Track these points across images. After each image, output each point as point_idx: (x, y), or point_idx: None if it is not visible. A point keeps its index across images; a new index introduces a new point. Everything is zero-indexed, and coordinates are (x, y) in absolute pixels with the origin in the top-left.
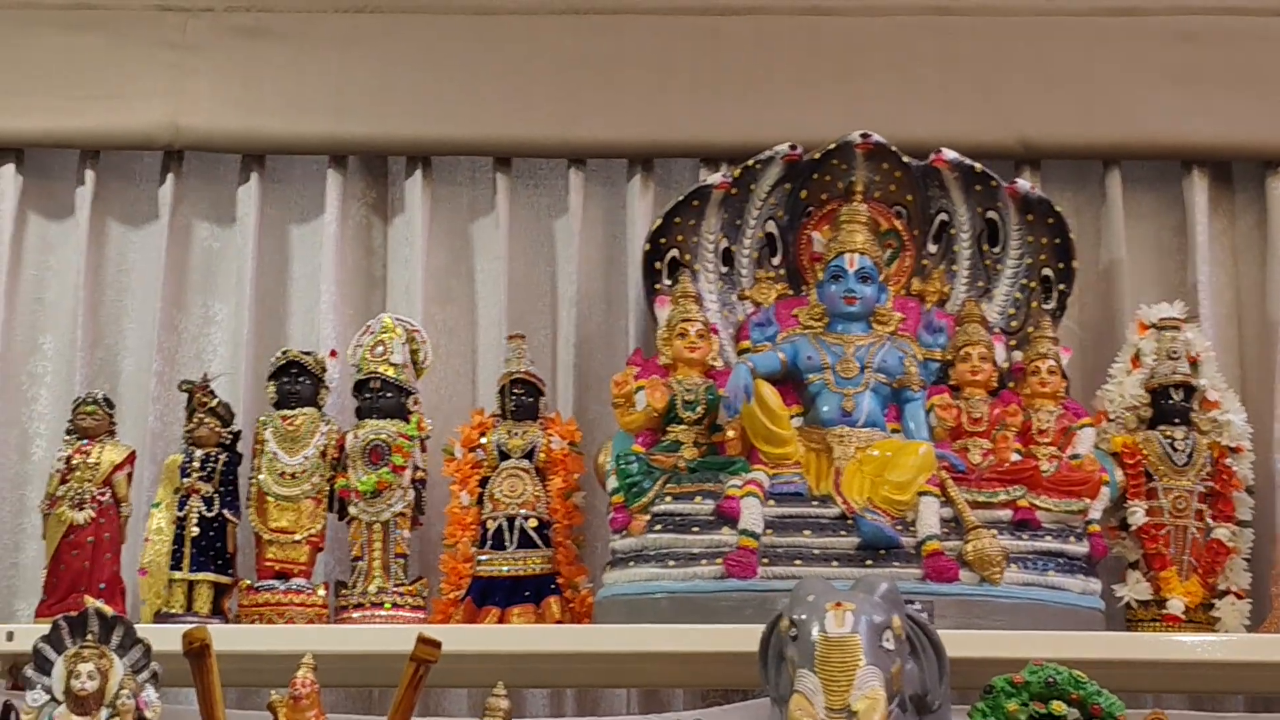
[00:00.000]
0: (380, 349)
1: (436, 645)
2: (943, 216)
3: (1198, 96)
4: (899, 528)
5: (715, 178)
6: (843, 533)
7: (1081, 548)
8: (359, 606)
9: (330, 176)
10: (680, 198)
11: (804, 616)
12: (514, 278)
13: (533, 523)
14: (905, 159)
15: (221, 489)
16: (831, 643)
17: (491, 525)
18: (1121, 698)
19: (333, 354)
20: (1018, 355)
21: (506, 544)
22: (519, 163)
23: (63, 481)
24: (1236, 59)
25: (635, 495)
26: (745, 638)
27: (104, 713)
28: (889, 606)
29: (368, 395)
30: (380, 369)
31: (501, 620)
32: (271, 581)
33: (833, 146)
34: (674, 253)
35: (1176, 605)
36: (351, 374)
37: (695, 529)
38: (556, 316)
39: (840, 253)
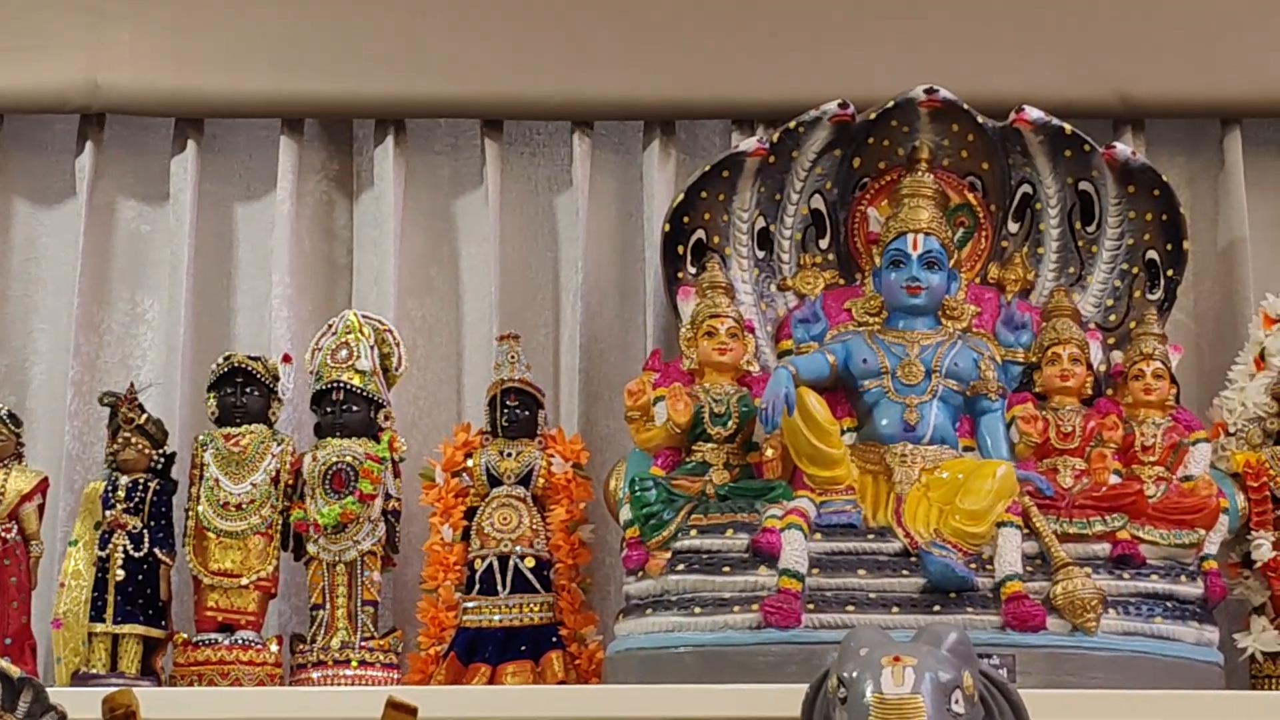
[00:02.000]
0: (344, 353)
1: (412, 711)
2: (1026, 188)
3: None
4: (973, 565)
5: (749, 143)
6: (905, 572)
7: (1195, 589)
8: (319, 664)
9: (283, 144)
10: (707, 167)
11: (855, 674)
12: (507, 265)
13: (530, 562)
14: (980, 119)
15: (152, 523)
16: (889, 705)
17: (480, 565)
18: None
19: (286, 359)
20: (1117, 356)
21: (498, 588)
22: (512, 126)
23: None
24: None
25: (654, 528)
26: (787, 699)
27: None
28: (959, 661)
29: (329, 409)
30: (344, 377)
31: (492, 680)
32: (213, 635)
33: (892, 104)
34: (700, 234)
35: None
36: (310, 383)
37: (726, 569)
38: (559, 312)
39: (901, 233)
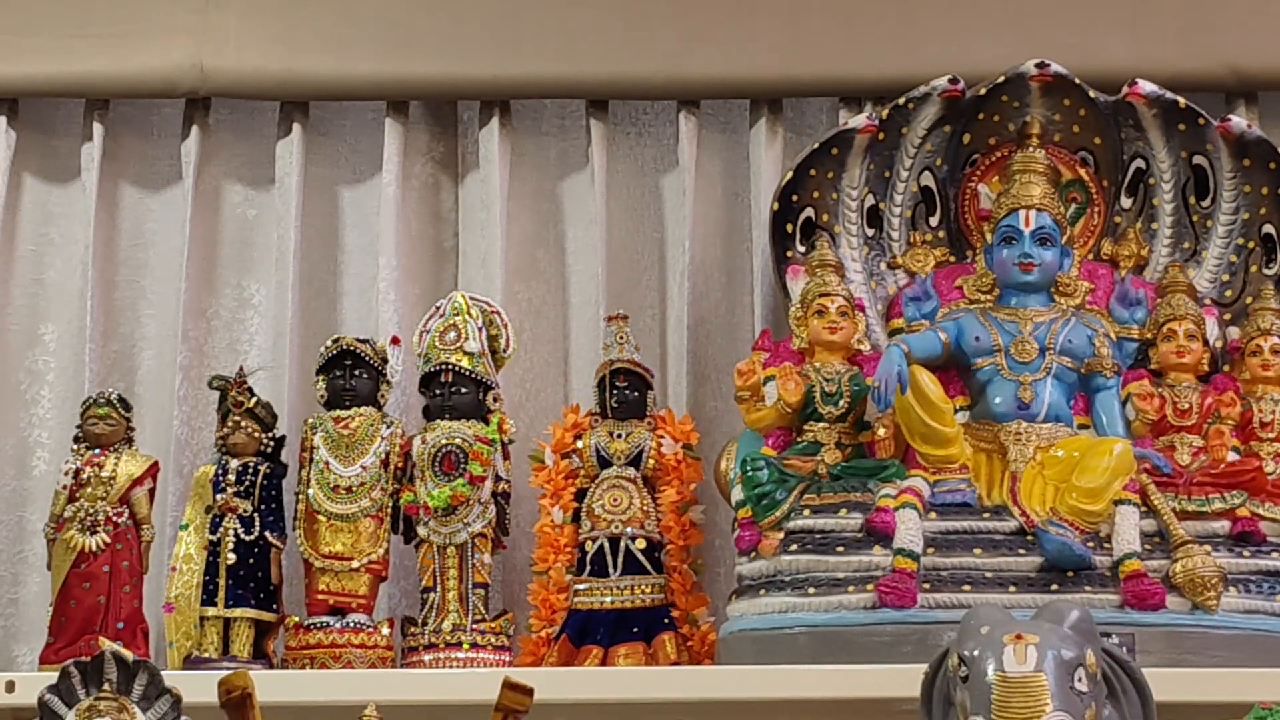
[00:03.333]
0: (452, 335)
1: (528, 692)
2: (1139, 163)
3: None
4: (1090, 544)
5: (858, 120)
6: (1021, 550)
7: None
8: (431, 647)
9: (388, 126)
10: (816, 145)
11: (977, 652)
12: (613, 247)
13: (640, 543)
14: (1092, 93)
15: (262, 506)
16: (1011, 683)
17: (591, 547)
18: None
19: (395, 341)
20: (1234, 331)
21: (609, 569)
22: (618, 106)
23: (70, 500)
24: None
25: (766, 508)
26: (903, 680)
27: None
28: (1081, 639)
29: (438, 391)
30: (453, 359)
31: (605, 662)
32: (325, 618)
33: (1002, 79)
34: (809, 212)
35: None
36: (418, 365)
37: (840, 548)
38: (666, 293)
39: (1013, 209)
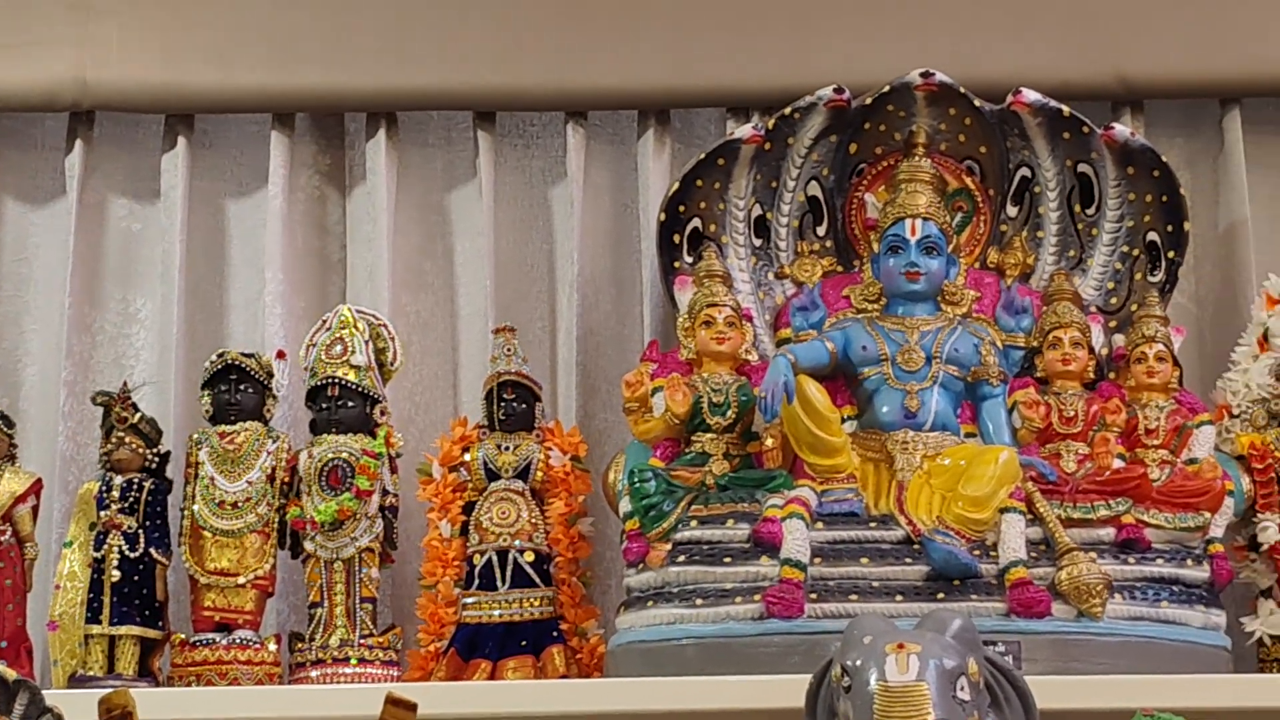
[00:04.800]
0: (338, 348)
1: (411, 708)
2: (1024, 172)
3: None
4: (976, 552)
5: (744, 130)
6: (908, 560)
7: (1201, 572)
8: (318, 663)
9: (274, 139)
10: (702, 156)
11: (859, 662)
12: (501, 258)
13: (529, 556)
14: (977, 102)
15: (147, 523)
16: (893, 693)
17: (479, 560)
18: None
19: (280, 355)
20: (1119, 339)
21: (498, 583)
22: (505, 117)
23: None
24: None
25: (653, 520)
26: (791, 690)
27: None
28: (964, 648)
29: (324, 405)
30: (339, 372)
31: (493, 676)
32: (211, 635)
33: (887, 89)
34: (696, 223)
35: None
36: (304, 379)
37: (727, 559)
38: (555, 304)
39: (899, 218)
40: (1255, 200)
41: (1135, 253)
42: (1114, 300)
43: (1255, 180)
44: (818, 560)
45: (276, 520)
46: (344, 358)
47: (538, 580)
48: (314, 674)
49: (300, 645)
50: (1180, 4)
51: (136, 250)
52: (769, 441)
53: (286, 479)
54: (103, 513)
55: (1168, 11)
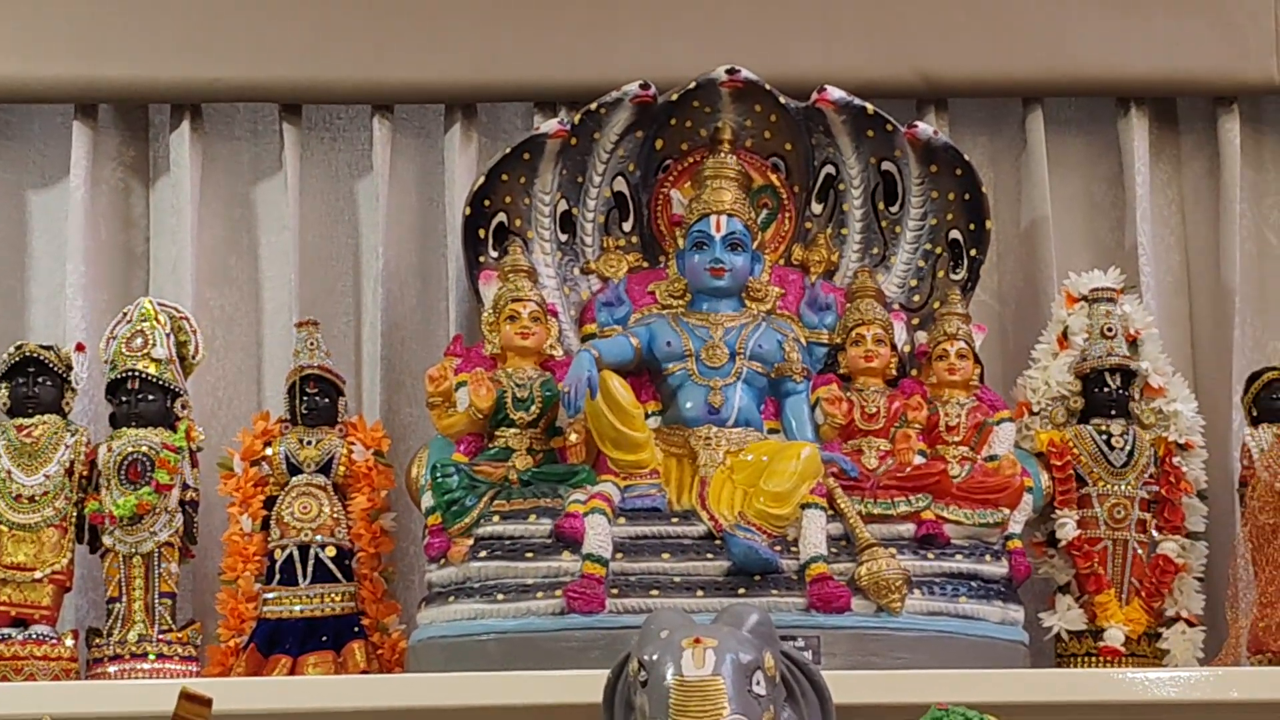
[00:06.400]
0: (139, 341)
1: (206, 703)
2: (829, 169)
3: (1135, 20)
4: (777, 548)
5: (550, 125)
6: (709, 555)
7: (999, 568)
8: (116, 658)
9: (77, 130)
10: (508, 150)
11: (656, 657)
12: (307, 252)
13: (330, 551)
14: (782, 99)
15: None
16: (689, 687)
17: (280, 555)
18: None
19: (79, 348)
20: (922, 336)
21: (299, 578)
22: (311, 110)
23: None
24: None
25: (455, 515)
26: (592, 685)
27: None
28: (760, 642)
29: (124, 398)
30: (140, 365)
31: (294, 671)
32: (7, 630)
33: (693, 85)
34: (501, 217)
35: (1116, 635)
36: (105, 372)
37: (529, 554)
38: (360, 298)
39: (704, 214)
40: (1057, 199)
41: (938, 250)
42: (916, 297)
43: (1057, 179)
44: (619, 555)
45: (74, 515)
46: (144, 351)
47: (339, 575)
48: (112, 669)
49: (98, 640)
50: (984, 4)
51: None
52: (572, 437)
53: (85, 473)
54: None
55: (972, 11)
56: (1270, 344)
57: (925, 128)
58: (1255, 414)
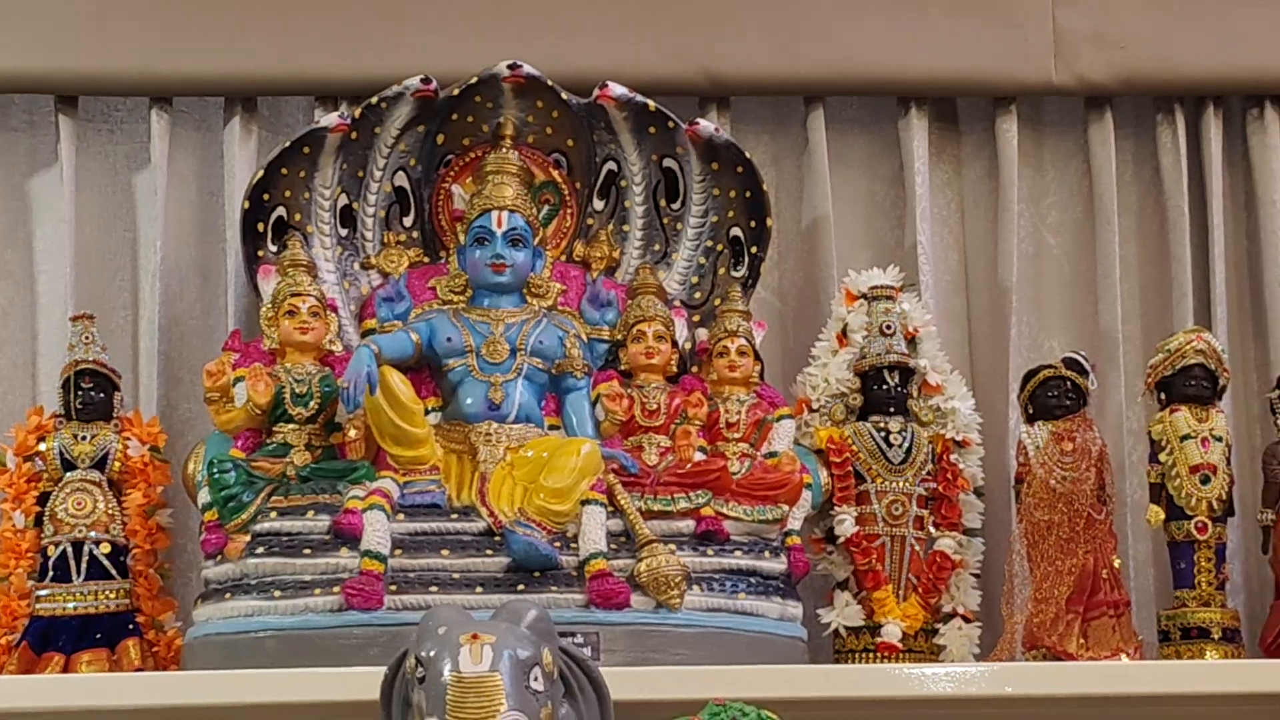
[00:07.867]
0: None
1: None
2: (611, 165)
3: (916, 20)
4: (557, 544)
5: (330, 118)
6: (489, 551)
7: (778, 564)
8: None
9: None
10: (288, 143)
11: (433, 653)
12: (83, 246)
13: (105, 547)
14: (564, 95)
15: None
16: (466, 684)
17: (53, 552)
18: None
19: None
20: (702, 333)
21: (73, 575)
22: (88, 102)
23: None
24: None
25: (232, 511)
26: (369, 682)
27: None
28: (538, 638)
29: None
30: None
31: (67, 669)
32: None
33: (475, 80)
34: (281, 211)
35: (893, 631)
36: None
37: (307, 551)
38: (138, 293)
39: (486, 210)
40: (837, 197)
41: (719, 248)
42: (698, 294)
43: (838, 178)
44: (398, 552)
45: None
46: None
47: (114, 572)
48: None
49: None
50: (767, 3)
51: None
52: (351, 433)
53: None
54: None
55: (754, 10)
56: (1046, 343)
57: (707, 125)
58: (1031, 411)
